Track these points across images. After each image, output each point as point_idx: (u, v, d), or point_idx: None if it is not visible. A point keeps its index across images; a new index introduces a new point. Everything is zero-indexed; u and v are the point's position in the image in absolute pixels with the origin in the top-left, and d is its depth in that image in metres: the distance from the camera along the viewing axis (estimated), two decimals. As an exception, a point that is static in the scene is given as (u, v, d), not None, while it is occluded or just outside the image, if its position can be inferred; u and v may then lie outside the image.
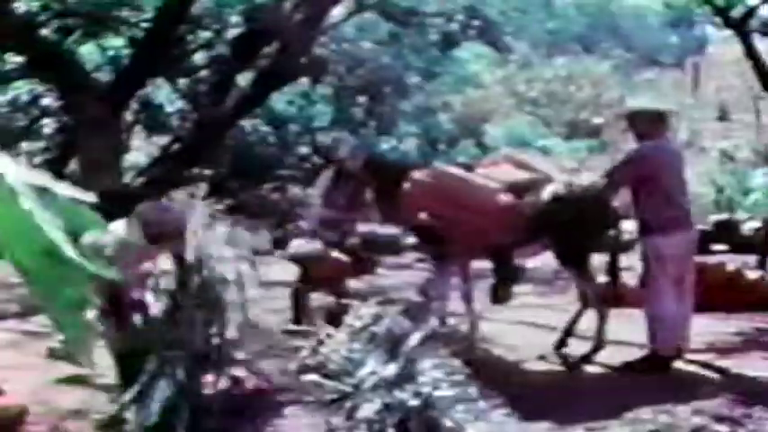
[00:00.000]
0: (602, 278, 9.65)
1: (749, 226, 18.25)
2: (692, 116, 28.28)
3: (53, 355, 8.33)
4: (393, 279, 13.92)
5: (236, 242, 7.52)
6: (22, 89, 20.81)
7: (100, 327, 6.50)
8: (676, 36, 38.55)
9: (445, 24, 25.02)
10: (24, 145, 21.16)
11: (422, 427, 5.95)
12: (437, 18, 24.39)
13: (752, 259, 14.53)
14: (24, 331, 10.69)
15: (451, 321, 9.83)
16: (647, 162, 9.07)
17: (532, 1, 25.59)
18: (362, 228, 13.97)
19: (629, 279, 10.20)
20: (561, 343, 9.62)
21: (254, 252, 8.23)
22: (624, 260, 9.89)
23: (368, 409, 6.00)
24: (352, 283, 10.98)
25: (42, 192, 1.71)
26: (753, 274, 12.62)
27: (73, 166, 17.80)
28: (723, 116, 30.27)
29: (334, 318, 9.29)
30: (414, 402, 5.99)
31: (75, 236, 1.68)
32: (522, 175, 9.58)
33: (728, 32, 15.64)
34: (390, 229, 14.49)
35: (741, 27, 14.66)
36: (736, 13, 14.76)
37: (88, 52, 20.38)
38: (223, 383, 7.32)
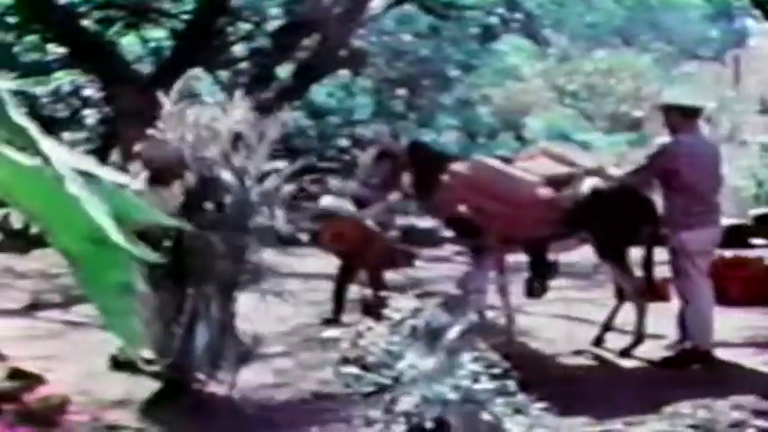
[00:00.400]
0: (639, 272, 9.61)
1: (789, 220, 18.13)
2: (733, 110, 28.06)
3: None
4: (432, 272, 13.89)
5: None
6: (63, 80, 20.94)
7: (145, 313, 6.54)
8: (716, 29, 38.29)
9: (484, 17, 24.99)
10: (66, 135, 21.29)
11: (460, 420, 5.94)
12: (476, 11, 24.37)
13: (792, 254, 14.44)
14: (66, 321, 10.77)
15: (490, 314, 9.81)
16: (671, 157, 9.03)
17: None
18: (401, 220, 13.97)
19: (667, 273, 10.16)
20: (600, 338, 9.59)
21: (290, 242, 8.32)
22: (660, 254, 9.84)
23: (406, 403, 5.99)
24: (391, 276, 10.97)
25: (88, 177, 1.71)
26: (793, 269, 12.52)
27: (114, 156, 17.90)
28: (764, 110, 30.05)
29: (371, 309, 9.31)
30: (452, 396, 5.98)
31: (120, 221, 1.69)
32: (560, 169, 9.55)
33: (769, 25, 15.52)
34: (429, 222, 14.49)
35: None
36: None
37: (129, 43, 20.50)
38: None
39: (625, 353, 9.22)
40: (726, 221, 15.46)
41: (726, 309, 10.82)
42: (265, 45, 19.49)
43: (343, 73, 23.34)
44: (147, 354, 7.65)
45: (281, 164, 7.97)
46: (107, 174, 1.79)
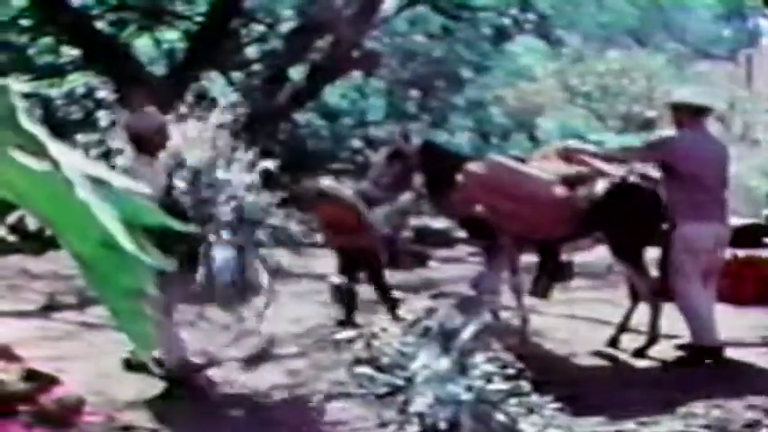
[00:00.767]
0: (654, 272, 9.60)
1: (803, 219, 18.07)
2: (746, 109, 28.01)
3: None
4: (445, 273, 13.90)
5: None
6: (77, 82, 21.00)
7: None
8: (729, 29, 38.25)
9: (497, 18, 25.00)
10: (80, 137, 21.32)
11: (474, 421, 5.94)
12: (489, 12, 24.37)
13: (807, 253, 14.39)
14: (80, 322, 10.79)
15: (503, 315, 9.81)
16: (668, 149, 9.04)
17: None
18: (415, 221, 13.97)
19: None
20: (614, 339, 9.58)
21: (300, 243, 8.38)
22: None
23: (420, 403, 6.00)
24: (404, 277, 10.98)
25: (98, 182, 1.73)
26: (807, 268, 12.48)
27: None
28: (776, 109, 30.02)
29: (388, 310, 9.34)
30: (466, 396, 5.99)
31: (130, 226, 1.70)
32: (574, 169, 9.54)
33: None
34: (442, 222, 14.50)
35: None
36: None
37: (143, 45, 20.55)
38: None
39: (639, 353, 9.20)
40: (739, 221, 15.48)
41: (739, 308, 10.82)
42: (278, 47, 19.53)
43: (356, 74, 23.36)
44: (157, 355, 7.70)
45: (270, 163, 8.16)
46: (117, 179, 1.80)
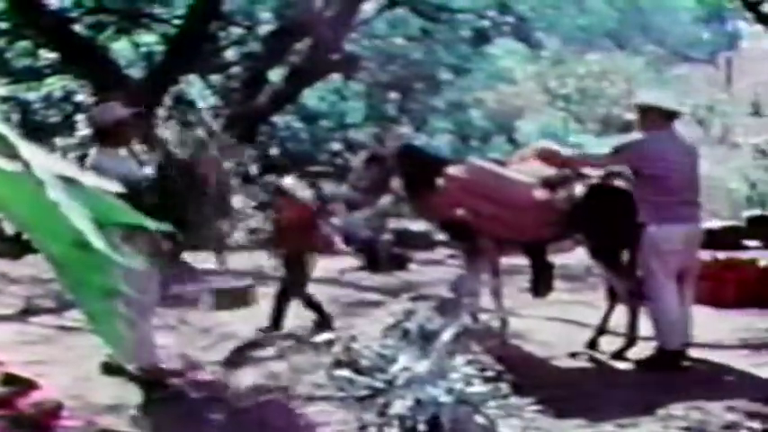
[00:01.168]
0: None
1: (783, 221, 18.15)
2: (725, 112, 28.15)
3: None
4: (425, 275, 13.90)
5: None
6: (55, 85, 20.95)
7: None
8: (708, 31, 38.38)
9: (476, 20, 25.02)
10: (58, 140, 21.29)
11: (454, 423, 5.93)
12: (468, 14, 24.40)
13: (786, 255, 14.44)
14: (58, 326, 10.76)
15: (483, 317, 9.81)
16: (635, 154, 9.06)
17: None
18: (395, 224, 13.95)
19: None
20: (593, 341, 9.58)
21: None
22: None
23: (400, 406, 5.98)
24: (385, 279, 10.97)
25: (69, 182, 1.71)
26: (787, 270, 12.51)
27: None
28: (756, 111, 30.13)
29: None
30: (446, 399, 5.98)
31: (102, 225, 1.69)
32: (553, 170, 9.55)
33: (760, 27, 15.52)
34: (422, 225, 14.50)
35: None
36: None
37: (121, 48, 20.51)
38: None
39: (618, 355, 9.21)
40: (719, 223, 15.52)
41: (720, 311, 10.84)
42: (257, 49, 19.50)
43: (335, 77, 23.36)
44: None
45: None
46: (88, 178, 1.78)
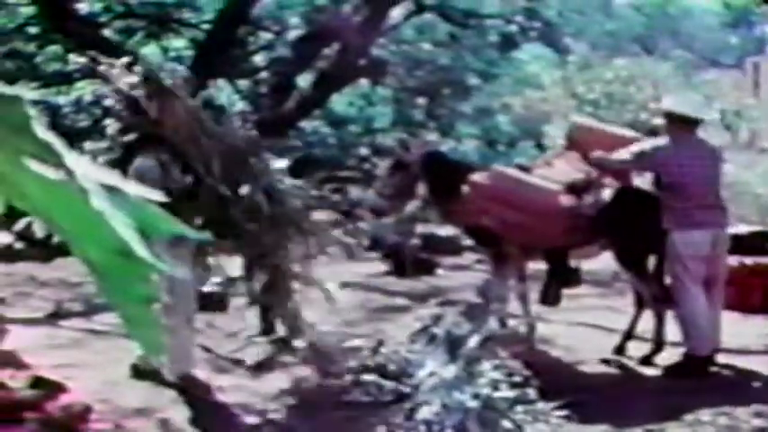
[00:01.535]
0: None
1: (810, 226, 18.07)
2: (752, 117, 28.01)
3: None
4: (452, 280, 13.90)
5: None
6: (85, 90, 21.04)
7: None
8: (736, 36, 38.25)
9: (504, 26, 25.02)
10: (88, 145, 21.35)
11: (481, 428, 5.95)
12: (496, 19, 24.40)
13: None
14: (88, 330, 10.81)
15: (510, 323, 9.82)
16: (653, 158, 9.08)
17: (591, 2, 25.46)
18: (422, 229, 13.95)
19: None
20: (621, 346, 9.57)
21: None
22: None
23: (427, 411, 6.01)
24: (412, 284, 10.99)
25: (112, 190, 1.75)
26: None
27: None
28: (783, 117, 30.01)
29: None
30: (473, 404, 6.00)
31: (144, 234, 1.72)
32: (579, 175, 9.55)
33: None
34: (449, 230, 14.50)
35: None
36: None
37: (150, 53, 20.60)
38: None
39: (645, 361, 9.21)
40: (746, 229, 15.45)
41: (747, 316, 10.82)
42: (285, 54, 19.55)
43: (363, 82, 23.38)
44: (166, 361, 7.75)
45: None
46: (131, 187, 1.82)
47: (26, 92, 1.78)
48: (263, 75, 20.94)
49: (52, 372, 7.89)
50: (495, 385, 6.16)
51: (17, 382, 7.31)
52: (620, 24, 30.19)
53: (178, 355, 8.00)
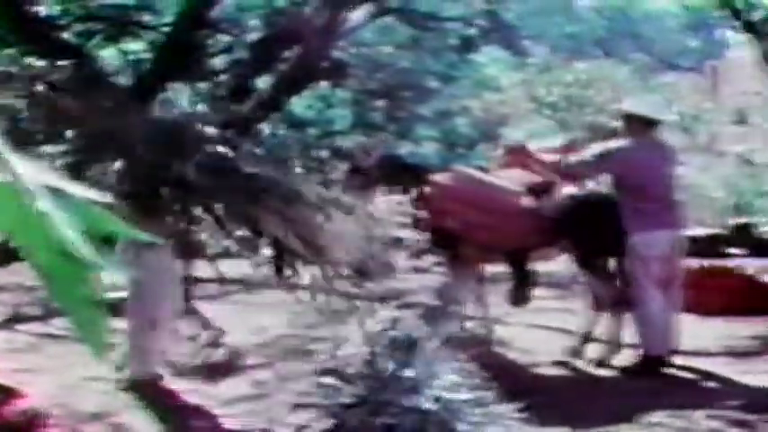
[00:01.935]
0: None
1: (767, 229, 18.20)
2: (710, 120, 28.22)
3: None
4: (411, 283, 13.90)
5: None
6: (42, 93, 20.88)
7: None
8: (695, 40, 38.46)
9: (464, 28, 25.04)
10: (46, 148, 21.22)
11: (439, 431, 5.95)
12: (456, 22, 24.41)
13: (771, 263, 14.45)
14: (44, 334, 10.74)
15: (468, 325, 9.83)
16: (616, 161, 9.13)
17: (552, 5, 25.53)
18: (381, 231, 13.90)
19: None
20: (579, 349, 9.60)
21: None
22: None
23: (385, 414, 6.00)
24: (369, 286, 10.97)
25: (58, 193, 1.74)
26: (771, 278, 12.56)
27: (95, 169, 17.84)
28: (741, 120, 30.18)
29: None
30: (431, 406, 5.99)
31: (90, 235, 1.71)
32: (537, 178, 9.58)
33: (747, 36, 15.57)
34: (409, 233, 14.51)
35: (760, 31, 14.60)
36: (755, 16, 14.71)
37: (109, 56, 20.49)
38: None
39: (602, 362, 9.24)
40: (703, 231, 15.54)
41: (704, 318, 10.88)
42: (245, 57, 19.48)
43: (323, 84, 23.34)
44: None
45: None
46: (76, 189, 1.81)
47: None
48: (223, 77, 20.86)
49: (9, 377, 7.84)
50: (453, 388, 6.16)
51: (-27, 387, 7.26)
52: (580, 27, 30.30)
53: (137, 357, 7.98)
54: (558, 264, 10.51)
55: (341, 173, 10.50)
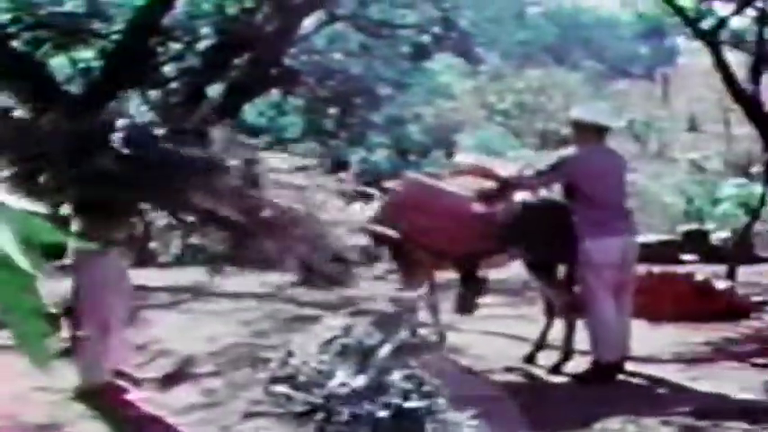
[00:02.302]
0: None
1: (718, 236, 18.38)
2: (662, 127, 28.44)
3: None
4: (363, 290, 13.88)
5: None
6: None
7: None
8: (647, 47, 38.75)
9: (416, 35, 25.07)
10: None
11: (391, 438, 5.94)
12: (410, 29, 24.43)
13: (721, 269, 14.56)
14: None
15: (421, 332, 9.82)
16: (569, 169, 9.15)
17: (504, 12, 25.62)
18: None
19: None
20: (531, 355, 9.62)
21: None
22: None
23: (338, 421, 5.98)
24: (323, 295, 10.96)
25: (-3, 205, 1.71)
26: (722, 284, 12.65)
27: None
28: (693, 127, 30.41)
29: None
30: (384, 414, 5.98)
31: (28, 245, 1.69)
32: (490, 183, 9.59)
33: (699, 44, 15.68)
34: (361, 239, 14.48)
35: (711, 38, 14.70)
36: (707, 24, 14.82)
37: (59, 64, 20.34)
38: None
39: (555, 369, 9.26)
40: (654, 238, 15.65)
41: (656, 324, 10.93)
42: (196, 65, 19.41)
43: (275, 92, 23.31)
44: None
45: None
46: (13, 199, 1.78)
47: None
48: (174, 85, 20.77)
49: (-44, 388, 7.76)
50: (405, 395, 6.15)
51: None
52: (532, 34, 30.45)
53: (87, 366, 7.91)
54: (510, 270, 10.52)
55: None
